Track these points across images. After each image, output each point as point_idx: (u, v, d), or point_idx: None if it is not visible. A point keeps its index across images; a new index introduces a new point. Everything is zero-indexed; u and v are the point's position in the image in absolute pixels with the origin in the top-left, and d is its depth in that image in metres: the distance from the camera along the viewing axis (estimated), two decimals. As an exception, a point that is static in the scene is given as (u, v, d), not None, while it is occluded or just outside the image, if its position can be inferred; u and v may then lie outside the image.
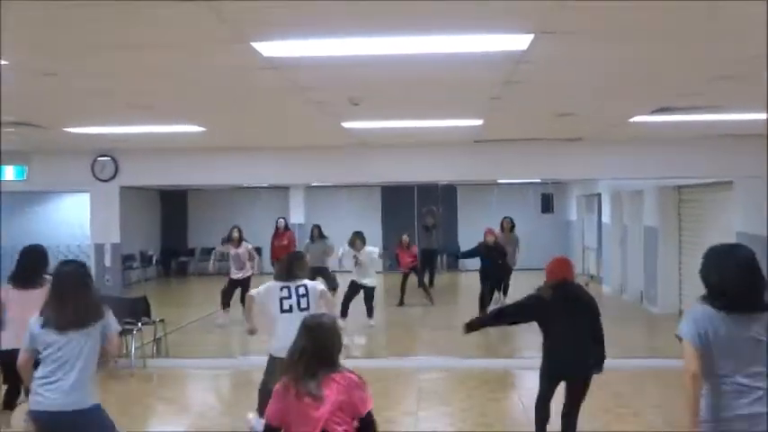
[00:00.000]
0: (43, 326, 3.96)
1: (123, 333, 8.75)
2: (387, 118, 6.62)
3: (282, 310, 5.79)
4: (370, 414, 3.22)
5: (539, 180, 14.52)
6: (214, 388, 8.10)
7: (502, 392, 7.67)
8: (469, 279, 14.19)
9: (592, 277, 15.77)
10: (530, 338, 11.39)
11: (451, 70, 4.46)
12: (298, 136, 7.97)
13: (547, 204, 16.27)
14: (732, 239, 9.38)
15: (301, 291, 5.82)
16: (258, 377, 8.33)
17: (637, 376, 7.84)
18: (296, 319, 5.61)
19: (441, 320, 12.33)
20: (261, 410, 6.16)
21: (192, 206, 19.74)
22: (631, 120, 6.74)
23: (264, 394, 5.82)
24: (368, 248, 11.01)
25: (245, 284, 10.68)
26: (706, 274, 3.33)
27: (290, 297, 5.79)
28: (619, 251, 14.08)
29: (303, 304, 5.79)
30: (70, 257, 10.11)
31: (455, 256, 18.58)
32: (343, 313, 10.77)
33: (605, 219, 15.04)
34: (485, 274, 11.74)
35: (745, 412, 3.20)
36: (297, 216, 18.33)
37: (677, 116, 6.46)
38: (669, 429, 5.97)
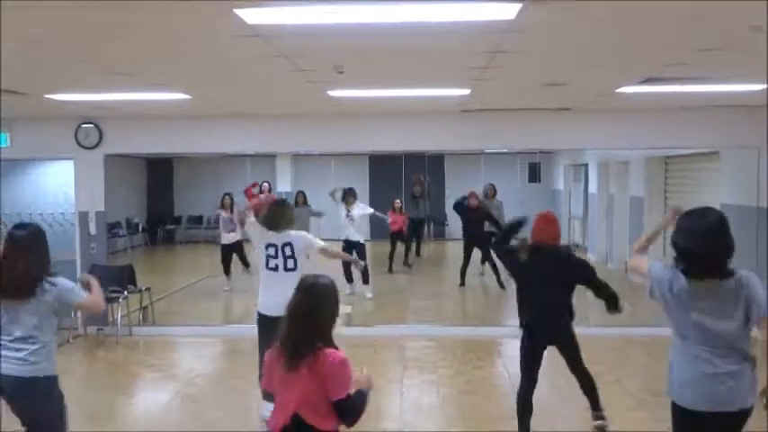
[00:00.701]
0: None
1: (109, 301, 8.79)
2: (373, 87, 6.56)
3: (268, 268, 5.66)
4: (347, 397, 3.03)
5: (526, 150, 14.52)
6: (200, 355, 8.14)
7: (487, 360, 7.76)
8: (456, 247, 14.24)
9: (577, 246, 15.89)
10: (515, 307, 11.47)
11: (438, 39, 4.41)
12: (284, 104, 7.90)
13: (534, 174, 16.30)
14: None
15: (287, 251, 5.64)
16: (244, 345, 8.41)
17: (620, 344, 7.96)
18: (281, 279, 5.54)
19: (428, 288, 12.44)
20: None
21: (179, 174, 19.65)
22: (619, 90, 6.72)
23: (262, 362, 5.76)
24: (360, 204, 11.17)
25: (237, 249, 11.43)
26: (675, 237, 3.42)
27: (276, 257, 5.63)
28: (604, 221, 14.18)
29: (290, 265, 5.63)
30: (54, 226, 10.14)
31: (442, 224, 18.73)
32: (349, 278, 10.77)
33: (592, 189, 15.11)
34: (467, 239, 11.85)
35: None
36: (284, 184, 18.28)
37: (664, 87, 6.46)
38: (651, 396, 6.09)
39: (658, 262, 3.65)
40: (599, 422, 5.26)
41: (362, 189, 18.88)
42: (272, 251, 5.67)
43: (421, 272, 13.95)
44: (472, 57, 5.01)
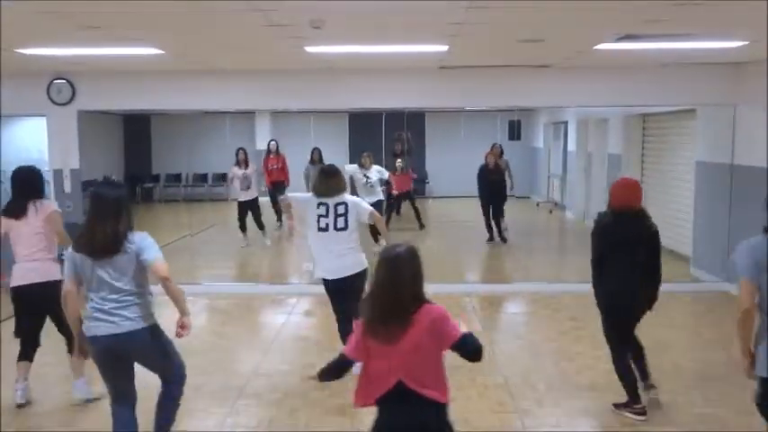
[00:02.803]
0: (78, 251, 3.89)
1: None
2: (350, 42, 6.49)
3: (319, 229, 5.59)
4: (463, 337, 3.06)
5: (506, 107, 14.48)
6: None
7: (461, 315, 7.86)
8: (438, 205, 14.30)
9: (556, 204, 16.02)
10: (499, 265, 11.62)
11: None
12: (261, 60, 7.79)
13: (514, 131, 16.30)
14: (692, 168, 9.57)
15: (340, 209, 5.57)
16: (224, 304, 8.46)
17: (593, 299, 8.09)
18: (331, 239, 5.60)
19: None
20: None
21: (156, 132, 19.39)
22: (597, 47, 6.70)
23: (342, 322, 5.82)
24: (376, 167, 10.97)
25: (253, 206, 11.61)
26: None
27: (326, 215, 5.56)
28: (583, 178, 14.27)
29: (340, 224, 5.56)
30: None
31: (423, 182, 18.73)
32: (376, 239, 10.70)
33: (571, 146, 15.16)
34: (485, 199, 12.08)
35: None
36: (263, 142, 18.12)
37: (642, 44, 6.45)
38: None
39: (741, 255, 3.47)
40: (652, 392, 5.13)
41: (342, 147, 18.81)
42: (322, 210, 5.57)
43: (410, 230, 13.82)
44: (449, 11, 4.96)
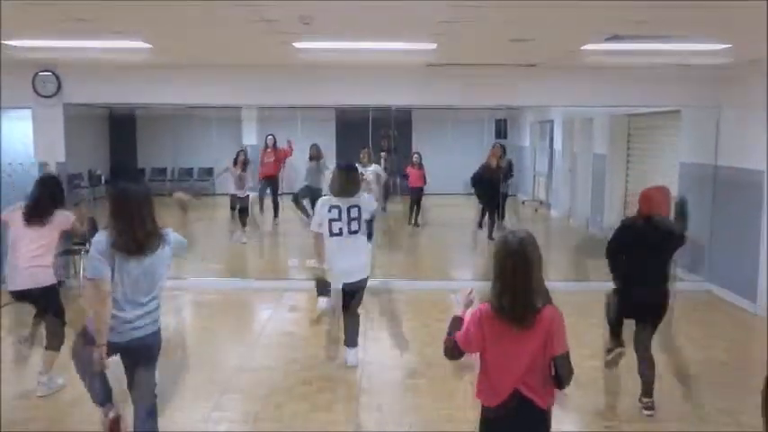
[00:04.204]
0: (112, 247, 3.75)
1: (71, 254, 8.70)
2: (338, 39, 6.49)
3: (332, 234, 5.61)
4: (567, 353, 3.02)
5: (493, 106, 14.52)
6: (165, 308, 8.12)
7: (450, 314, 7.89)
8: (424, 202, 14.30)
9: (541, 203, 16.10)
10: (475, 261, 11.66)
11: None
12: (249, 56, 7.77)
13: (500, 130, 16.36)
14: (676, 168, 9.67)
15: (353, 213, 5.61)
16: (209, 298, 8.45)
17: (578, 297, 8.16)
18: (346, 243, 5.64)
19: (398, 243, 12.52)
20: (319, 292, 6.28)
21: (142, 126, 19.25)
22: (584, 47, 6.75)
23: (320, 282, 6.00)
24: (374, 166, 10.67)
25: (243, 204, 11.88)
26: None
27: (339, 219, 5.59)
28: (568, 177, 14.35)
29: (354, 227, 5.61)
30: (13, 177, 9.91)
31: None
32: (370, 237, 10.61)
33: (557, 145, 15.23)
34: (484, 201, 12.12)
35: None
36: (249, 137, 18.07)
37: (628, 45, 6.50)
38: (605, 345, 6.27)
39: None
40: (648, 412, 5.08)
41: (329, 144, 18.76)
42: (334, 213, 5.60)
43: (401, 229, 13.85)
44: (437, 9, 4.97)
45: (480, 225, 12.22)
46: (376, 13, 5.16)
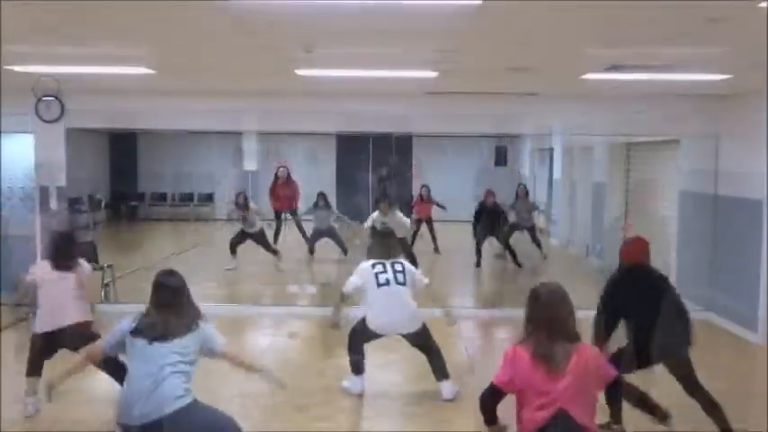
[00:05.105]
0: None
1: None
2: (340, 67, 6.55)
3: (379, 284, 5.70)
4: (619, 377, 3.41)
5: (493, 134, 14.63)
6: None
7: (448, 339, 7.83)
8: (424, 228, 14.30)
9: (540, 230, 16.07)
10: (473, 289, 11.61)
11: (407, 21, 4.42)
12: (251, 82, 7.83)
13: (500, 157, 16.42)
14: (675, 197, 9.68)
15: (398, 267, 5.79)
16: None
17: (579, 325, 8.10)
18: (394, 292, 5.70)
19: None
20: (355, 369, 6.04)
21: (143, 150, 19.34)
22: (584, 77, 6.80)
23: (353, 336, 5.92)
24: (398, 214, 10.06)
25: (257, 237, 11.53)
26: None
27: (385, 271, 5.74)
28: (567, 205, 14.37)
29: (400, 279, 5.75)
30: (14, 200, 9.93)
31: (408, 206, 18.79)
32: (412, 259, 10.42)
33: (556, 173, 15.28)
34: (483, 232, 12.24)
35: None
36: (250, 163, 18.12)
37: (628, 75, 6.55)
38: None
39: None
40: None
41: (330, 170, 18.87)
42: (379, 267, 5.76)
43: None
44: (439, 40, 5.03)
45: (479, 264, 12.21)
46: (378, 43, 5.21)
